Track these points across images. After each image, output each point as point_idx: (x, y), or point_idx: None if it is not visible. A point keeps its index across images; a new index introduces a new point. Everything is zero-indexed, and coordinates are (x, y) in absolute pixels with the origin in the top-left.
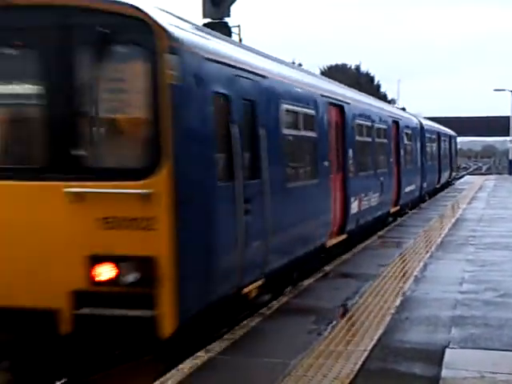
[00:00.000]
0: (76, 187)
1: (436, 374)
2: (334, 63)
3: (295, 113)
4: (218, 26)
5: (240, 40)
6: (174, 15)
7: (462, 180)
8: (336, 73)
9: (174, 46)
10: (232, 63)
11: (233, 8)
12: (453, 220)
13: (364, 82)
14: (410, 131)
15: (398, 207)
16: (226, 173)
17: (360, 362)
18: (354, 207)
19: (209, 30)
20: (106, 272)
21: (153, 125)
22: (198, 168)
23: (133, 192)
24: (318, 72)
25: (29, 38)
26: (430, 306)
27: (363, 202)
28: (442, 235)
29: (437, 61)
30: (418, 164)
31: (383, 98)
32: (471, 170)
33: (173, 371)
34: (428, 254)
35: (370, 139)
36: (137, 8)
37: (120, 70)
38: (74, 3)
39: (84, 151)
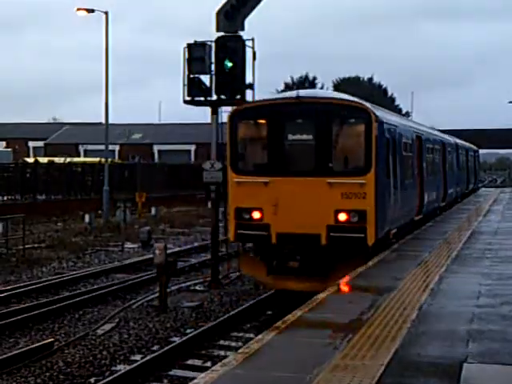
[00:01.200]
0: (331, 180)
1: None
2: (346, 76)
3: (406, 143)
4: (233, 39)
5: (254, 53)
6: (365, 100)
7: (476, 192)
8: (349, 86)
9: (376, 119)
10: (388, 121)
11: (246, 21)
12: (468, 233)
13: (377, 94)
14: (450, 148)
15: (444, 203)
16: (387, 174)
17: (377, 377)
18: (426, 199)
19: (377, 106)
20: (342, 217)
21: (367, 152)
22: (381, 171)
23: (357, 182)
24: (331, 85)
25: (311, 115)
26: (447, 320)
27: (429, 196)
28: (458, 248)
29: (450, 73)
30: (456, 173)
31: (398, 111)
32: (486, 182)
33: None
34: (444, 268)
35: (431, 155)
36: (362, 103)
37: (352, 129)
38: (332, 101)
39: (333, 164)
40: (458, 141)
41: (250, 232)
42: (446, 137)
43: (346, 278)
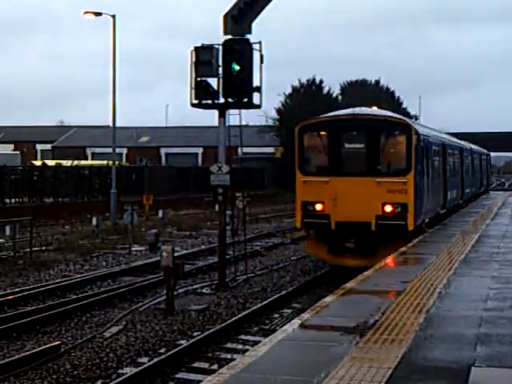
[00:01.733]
0: (379, 179)
1: None
2: (353, 79)
3: (434, 149)
4: (240, 42)
5: (261, 56)
6: (404, 116)
7: (486, 194)
8: (356, 89)
9: (416, 132)
10: (423, 133)
11: (254, 24)
12: (476, 236)
13: (384, 97)
14: (466, 153)
15: (461, 201)
16: (422, 175)
17: (384, 381)
18: (448, 196)
19: (414, 121)
20: (388, 208)
21: (408, 158)
22: (418, 173)
23: (400, 180)
24: (338, 87)
25: (363, 129)
26: (455, 324)
27: (451, 195)
28: (466, 251)
29: (457, 76)
30: (470, 175)
31: (406, 114)
32: (494, 185)
33: None
34: (451, 271)
35: (452, 159)
36: (404, 119)
37: (396, 139)
38: (380, 118)
39: (381, 166)
40: (473, 146)
41: (314, 220)
42: (463, 143)
43: (354, 281)
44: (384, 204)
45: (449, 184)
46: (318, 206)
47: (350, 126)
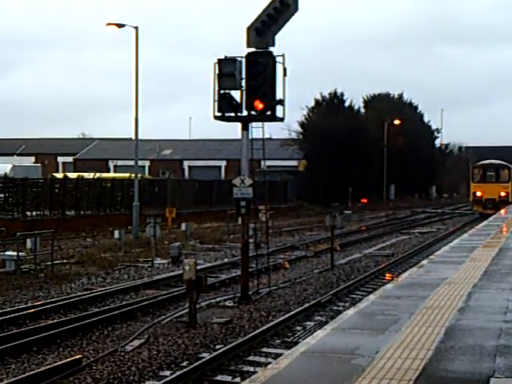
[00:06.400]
0: (499, 184)
1: None
2: (377, 92)
3: None
4: (263, 55)
5: (284, 69)
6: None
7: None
8: (379, 102)
9: None
10: None
11: (277, 37)
12: (496, 249)
13: (407, 110)
14: None
15: None
16: None
17: None
18: None
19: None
20: (503, 193)
21: (509, 177)
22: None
23: (506, 185)
24: (361, 100)
25: (493, 167)
26: (475, 336)
27: None
28: (486, 265)
29: (478, 90)
30: None
31: (427, 127)
32: None
33: None
34: (472, 284)
35: None
36: (507, 164)
37: (505, 171)
38: (499, 164)
39: (499, 179)
40: None
41: (476, 198)
42: None
43: (370, 299)
44: (500, 192)
45: None
46: (478, 193)
47: (489, 166)
